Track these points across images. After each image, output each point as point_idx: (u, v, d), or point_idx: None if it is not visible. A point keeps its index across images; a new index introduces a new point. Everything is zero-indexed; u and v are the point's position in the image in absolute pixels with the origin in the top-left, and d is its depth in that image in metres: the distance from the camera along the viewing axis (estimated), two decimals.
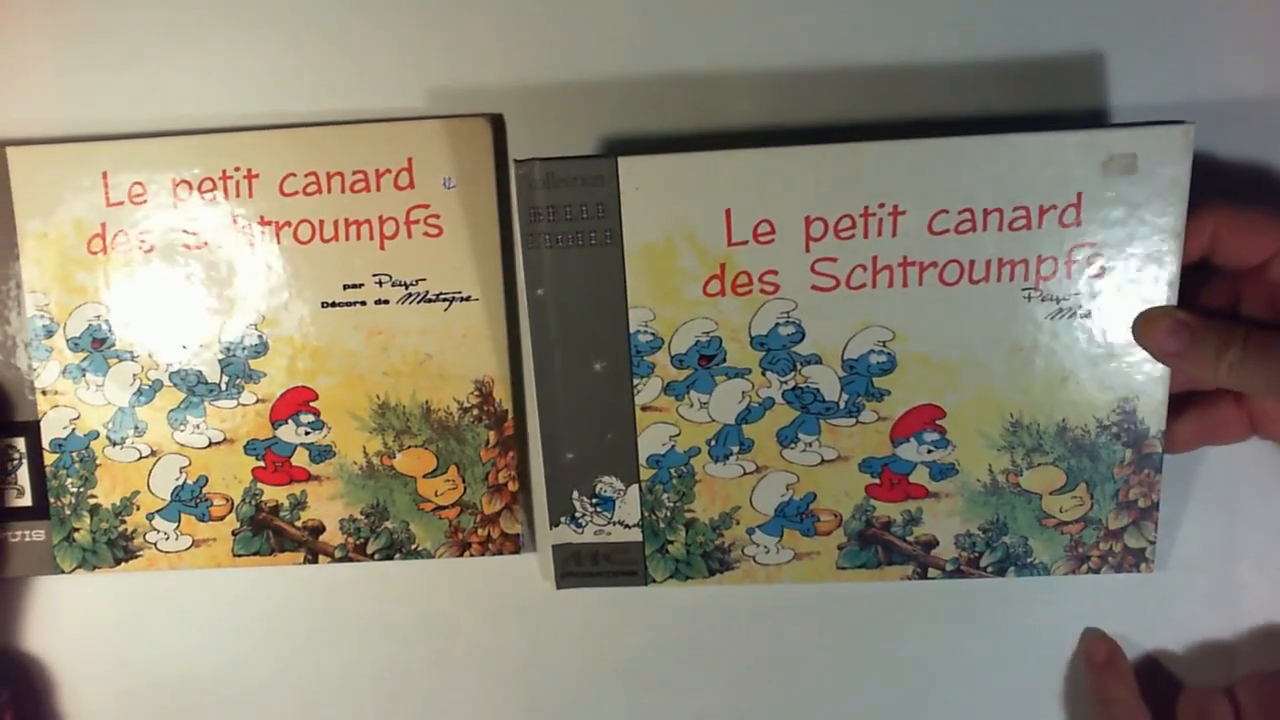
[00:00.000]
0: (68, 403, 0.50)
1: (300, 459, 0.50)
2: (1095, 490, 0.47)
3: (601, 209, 0.44)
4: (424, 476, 0.50)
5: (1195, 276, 0.45)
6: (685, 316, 0.46)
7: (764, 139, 0.47)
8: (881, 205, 0.44)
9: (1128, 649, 0.50)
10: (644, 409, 0.47)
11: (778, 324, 0.46)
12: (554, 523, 0.49)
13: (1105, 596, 0.50)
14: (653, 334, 0.46)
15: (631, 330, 0.46)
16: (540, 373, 0.47)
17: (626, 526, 0.49)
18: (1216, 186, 0.46)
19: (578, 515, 0.48)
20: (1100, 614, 0.51)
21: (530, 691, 0.53)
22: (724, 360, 0.46)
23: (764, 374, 0.46)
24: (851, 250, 0.44)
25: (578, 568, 0.49)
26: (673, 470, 0.48)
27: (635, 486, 0.48)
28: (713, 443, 0.47)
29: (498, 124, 0.48)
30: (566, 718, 0.53)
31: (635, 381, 0.46)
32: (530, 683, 0.53)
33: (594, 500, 0.48)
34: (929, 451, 0.47)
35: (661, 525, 0.48)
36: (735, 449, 0.47)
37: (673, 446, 0.47)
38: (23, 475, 0.51)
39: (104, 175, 0.48)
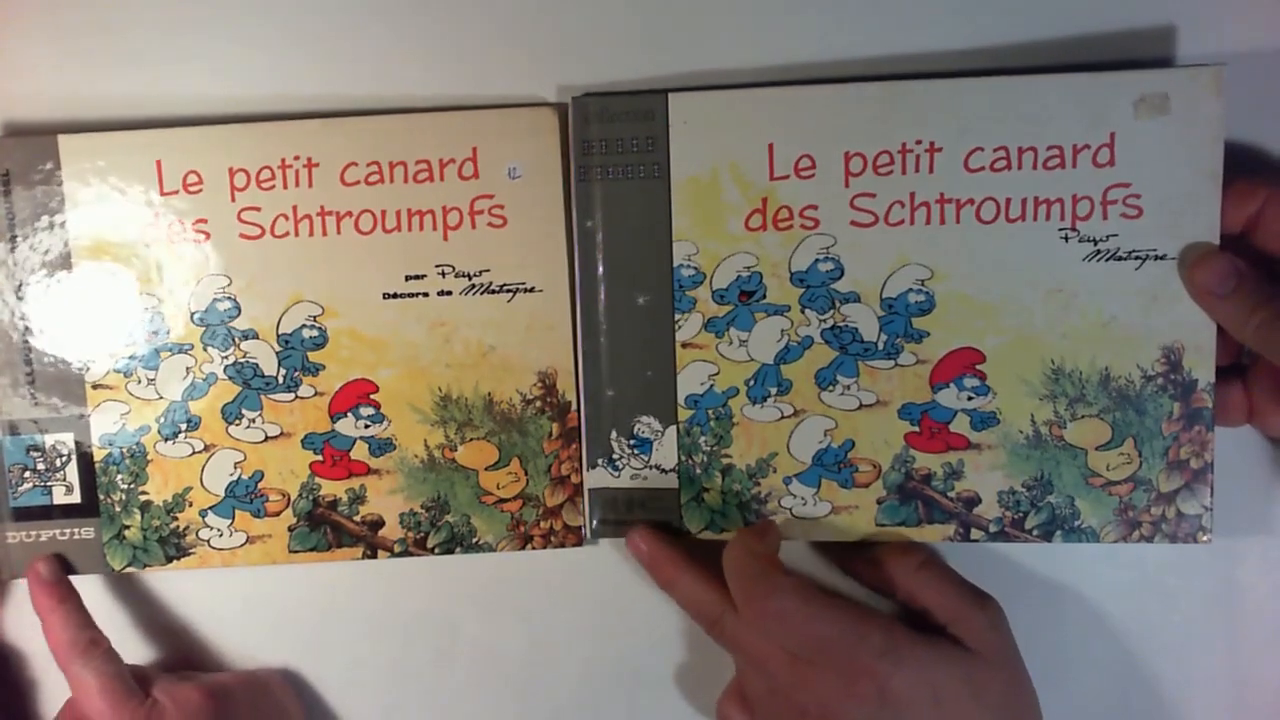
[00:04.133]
0: (118, 398, 0.49)
1: (360, 452, 0.49)
2: (1143, 447, 0.46)
3: (651, 142, 0.47)
4: (486, 469, 0.50)
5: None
6: (727, 251, 0.47)
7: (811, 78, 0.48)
8: (919, 142, 0.46)
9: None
10: (684, 346, 0.48)
11: (817, 260, 0.47)
12: (590, 465, 0.49)
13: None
14: (695, 268, 0.47)
15: (675, 264, 0.47)
16: (585, 307, 0.48)
17: (663, 471, 0.48)
18: None
19: (615, 457, 0.49)
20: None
21: (530, 691, 0.52)
22: (764, 296, 0.47)
23: (803, 311, 0.47)
24: (890, 186, 0.46)
25: (613, 515, 0.49)
26: (710, 412, 0.48)
27: (673, 428, 0.48)
28: (751, 383, 0.48)
29: (564, 113, 0.48)
30: (566, 718, 0.52)
31: (677, 317, 0.48)
32: (530, 683, 0.52)
33: (631, 441, 0.48)
34: (969, 398, 0.47)
35: (698, 471, 0.48)
36: (773, 390, 0.48)
37: (711, 386, 0.48)
38: (71, 472, 0.50)
39: (158, 164, 0.48)
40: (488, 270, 0.49)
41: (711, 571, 0.46)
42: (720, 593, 0.46)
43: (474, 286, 0.49)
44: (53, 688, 0.53)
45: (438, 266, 0.49)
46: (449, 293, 0.49)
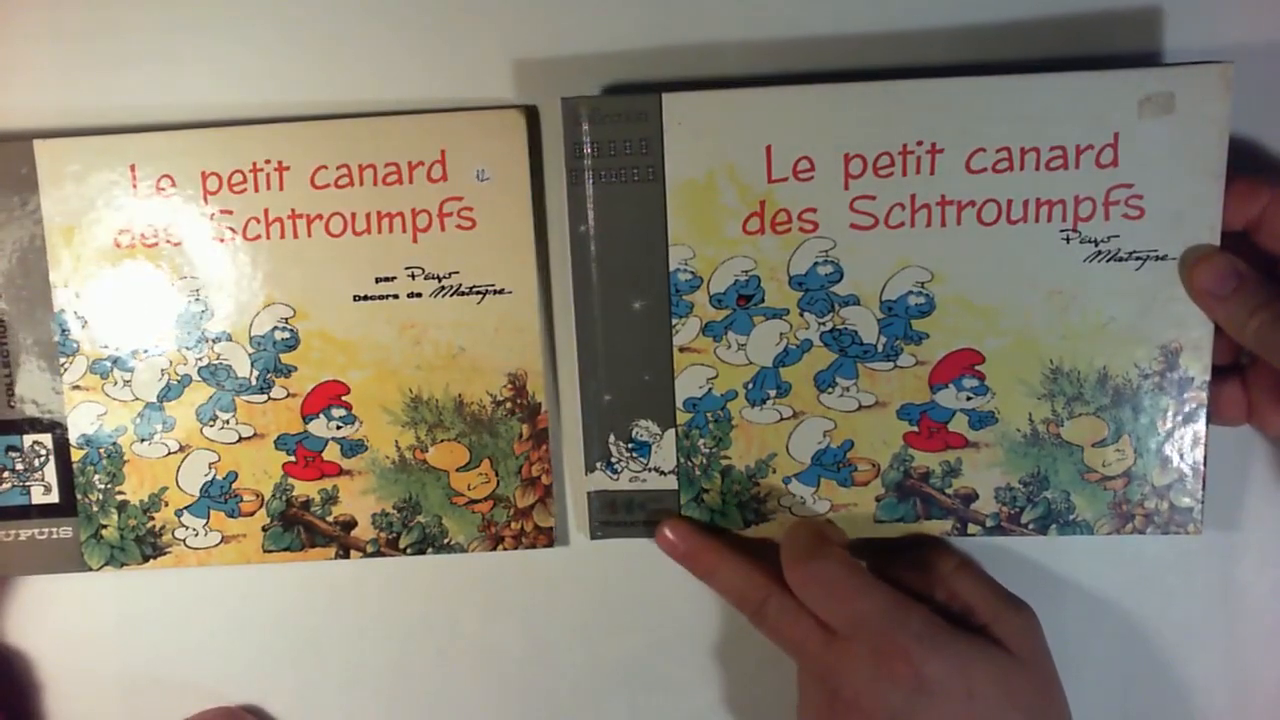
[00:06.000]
0: (96, 399, 0.50)
1: (332, 453, 0.50)
2: (1139, 443, 0.46)
3: (645, 145, 0.45)
4: (457, 470, 0.50)
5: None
6: (725, 255, 0.46)
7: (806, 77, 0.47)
8: (920, 143, 0.45)
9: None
10: (682, 350, 0.47)
11: (816, 263, 0.46)
12: (589, 469, 0.49)
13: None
14: (692, 272, 0.46)
15: (671, 268, 0.46)
16: (580, 312, 0.47)
17: (662, 473, 0.48)
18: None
19: (613, 461, 0.48)
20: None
21: (530, 691, 0.52)
22: (762, 300, 0.47)
23: (802, 315, 0.47)
24: (890, 188, 0.45)
25: (613, 516, 0.49)
26: (709, 414, 0.48)
27: (672, 431, 0.48)
28: (750, 386, 0.47)
29: (532, 115, 0.48)
30: (566, 718, 0.53)
31: (674, 321, 0.47)
32: (530, 683, 0.52)
33: (630, 445, 0.48)
34: (968, 399, 0.47)
35: (697, 472, 0.48)
36: (772, 393, 0.47)
37: (710, 389, 0.47)
38: (49, 472, 0.50)
39: (132, 168, 0.48)
40: (457, 272, 0.49)
41: (751, 557, 0.47)
42: (763, 577, 0.46)
43: (443, 288, 0.49)
44: (53, 688, 0.53)
45: (407, 269, 0.49)
46: (419, 294, 0.49)
